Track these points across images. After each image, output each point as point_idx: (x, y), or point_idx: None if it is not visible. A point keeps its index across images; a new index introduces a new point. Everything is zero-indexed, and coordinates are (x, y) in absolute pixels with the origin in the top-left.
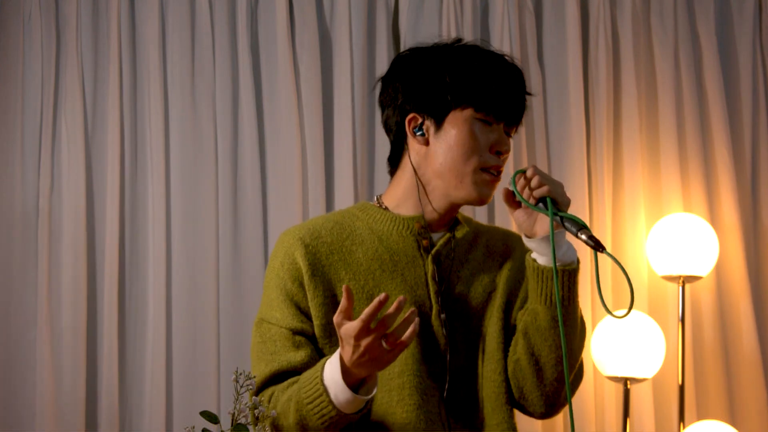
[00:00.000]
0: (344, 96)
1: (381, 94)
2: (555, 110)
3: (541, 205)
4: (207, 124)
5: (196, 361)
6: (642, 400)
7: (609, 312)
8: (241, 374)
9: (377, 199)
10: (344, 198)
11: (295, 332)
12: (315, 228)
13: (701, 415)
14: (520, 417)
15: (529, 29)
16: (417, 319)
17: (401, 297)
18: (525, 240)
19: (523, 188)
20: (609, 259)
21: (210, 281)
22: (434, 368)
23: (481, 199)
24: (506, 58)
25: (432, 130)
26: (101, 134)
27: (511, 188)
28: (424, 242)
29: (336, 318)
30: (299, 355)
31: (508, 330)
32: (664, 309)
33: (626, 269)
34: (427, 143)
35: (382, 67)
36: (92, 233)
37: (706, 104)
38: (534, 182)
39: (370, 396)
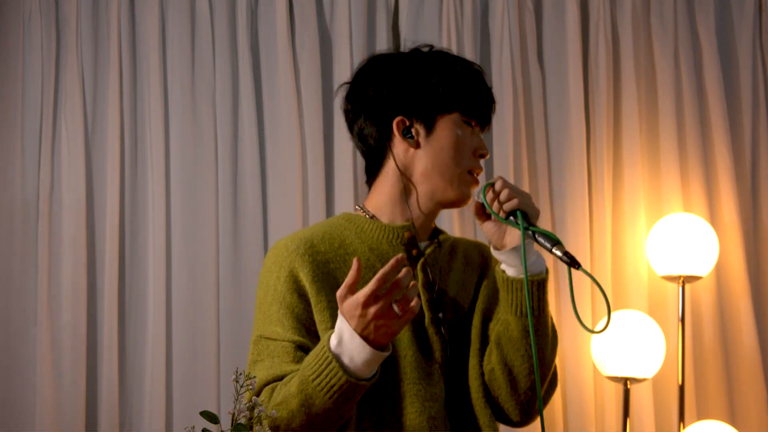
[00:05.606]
0: None
1: (351, 101)
2: (555, 110)
3: (512, 218)
4: (207, 124)
5: (196, 361)
6: (642, 400)
7: (586, 328)
8: (241, 374)
9: (361, 207)
10: (344, 198)
11: (298, 346)
12: (307, 238)
13: (701, 415)
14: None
15: (529, 29)
16: (414, 282)
17: (400, 254)
18: (494, 252)
19: (493, 201)
20: (589, 265)
21: (210, 281)
22: (432, 374)
23: (465, 200)
24: (472, 63)
25: (423, 133)
26: (101, 134)
27: (481, 201)
28: (414, 251)
29: (340, 291)
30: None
31: (485, 338)
32: (664, 309)
33: (626, 269)
34: (417, 146)
35: None
36: (92, 233)
37: (706, 104)
38: (503, 195)
39: (389, 352)
